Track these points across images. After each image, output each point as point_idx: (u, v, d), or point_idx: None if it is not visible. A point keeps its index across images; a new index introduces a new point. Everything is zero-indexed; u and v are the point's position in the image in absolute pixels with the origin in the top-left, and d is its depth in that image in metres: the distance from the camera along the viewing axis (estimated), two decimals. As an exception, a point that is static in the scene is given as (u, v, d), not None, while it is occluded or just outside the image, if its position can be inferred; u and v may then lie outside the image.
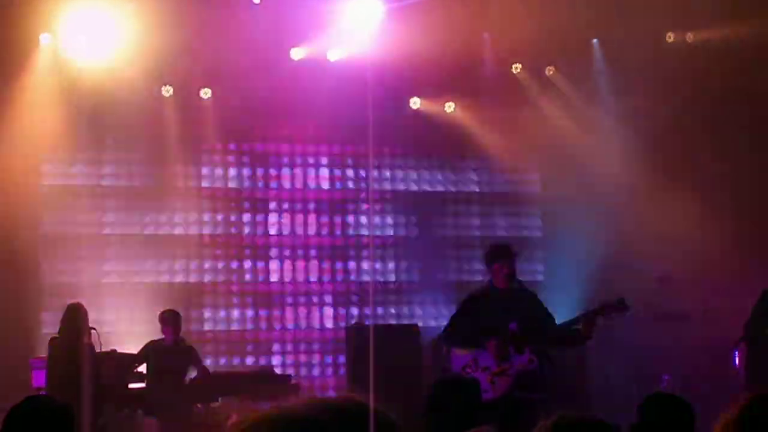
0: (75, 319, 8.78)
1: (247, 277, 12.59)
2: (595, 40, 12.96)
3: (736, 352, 10.13)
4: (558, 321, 8.16)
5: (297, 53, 12.31)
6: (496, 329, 7.89)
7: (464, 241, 13.31)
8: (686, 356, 11.98)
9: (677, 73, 12.31)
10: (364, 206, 12.97)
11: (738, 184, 12.54)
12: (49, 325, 10.78)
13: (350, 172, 13.08)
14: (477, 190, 13.51)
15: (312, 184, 12.93)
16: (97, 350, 8.93)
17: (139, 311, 11.72)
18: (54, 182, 11.94)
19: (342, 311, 12.81)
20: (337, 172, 13.00)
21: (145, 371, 9.67)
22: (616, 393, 11.39)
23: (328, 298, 12.85)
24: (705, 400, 11.72)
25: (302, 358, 12.62)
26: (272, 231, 12.72)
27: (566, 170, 12.79)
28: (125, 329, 11.55)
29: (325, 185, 12.98)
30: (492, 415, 7.24)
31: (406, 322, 12.46)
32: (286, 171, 12.85)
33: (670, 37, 12.98)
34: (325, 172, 12.99)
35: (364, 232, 13.09)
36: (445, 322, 8.76)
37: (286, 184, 12.83)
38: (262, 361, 12.23)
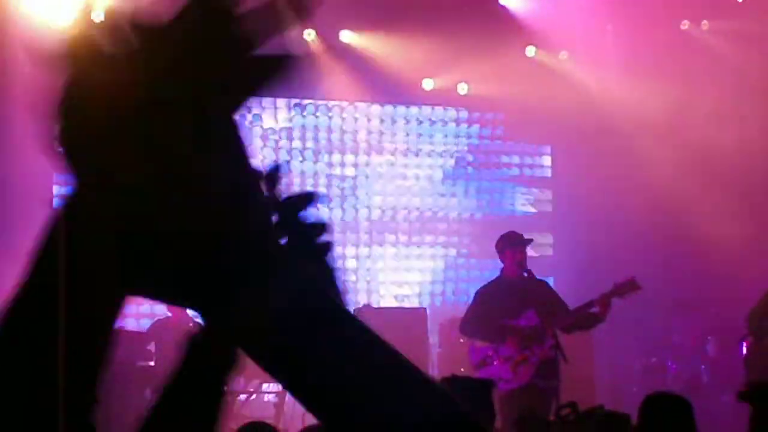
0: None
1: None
2: (609, 27, 12.93)
3: (744, 344, 10.10)
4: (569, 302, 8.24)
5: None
6: (515, 319, 7.94)
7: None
8: (694, 345, 11.97)
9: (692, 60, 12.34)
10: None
11: (751, 174, 12.47)
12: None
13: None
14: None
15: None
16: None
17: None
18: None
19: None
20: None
21: (153, 350, 9.70)
22: (621, 381, 11.39)
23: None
24: (710, 390, 11.74)
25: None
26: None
27: (581, 146, 12.84)
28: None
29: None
30: (515, 404, 7.31)
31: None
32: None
33: (685, 24, 12.95)
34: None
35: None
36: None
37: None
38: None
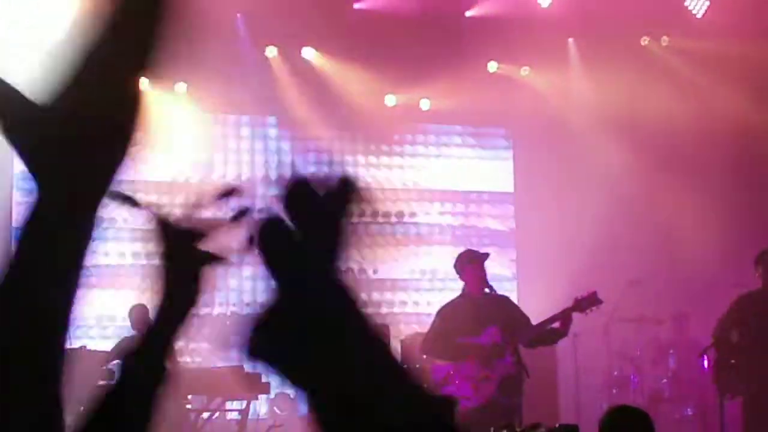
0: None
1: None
2: (570, 40, 12.99)
3: (705, 357, 10.15)
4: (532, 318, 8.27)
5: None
6: (476, 337, 7.94)
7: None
8: (657, 359, 12.03)
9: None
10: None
11: (715, 186, 12.54)
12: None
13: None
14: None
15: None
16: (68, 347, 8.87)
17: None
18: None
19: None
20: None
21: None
22: (584, 394, 11.42)
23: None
24: (672, 403, 11.80)
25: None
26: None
27: (543, 160, 12.88)
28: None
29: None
30: (477, 422, 7.30)
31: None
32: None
33: (645, 40, 13.05)
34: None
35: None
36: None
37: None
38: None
